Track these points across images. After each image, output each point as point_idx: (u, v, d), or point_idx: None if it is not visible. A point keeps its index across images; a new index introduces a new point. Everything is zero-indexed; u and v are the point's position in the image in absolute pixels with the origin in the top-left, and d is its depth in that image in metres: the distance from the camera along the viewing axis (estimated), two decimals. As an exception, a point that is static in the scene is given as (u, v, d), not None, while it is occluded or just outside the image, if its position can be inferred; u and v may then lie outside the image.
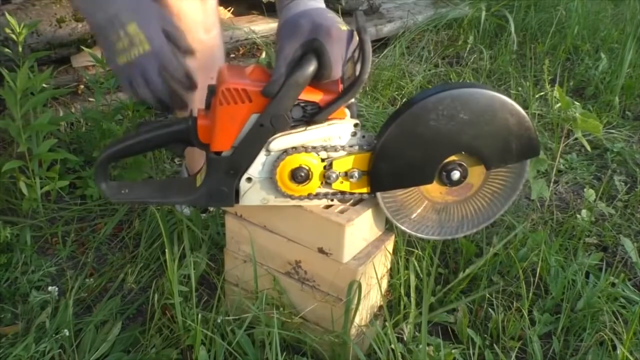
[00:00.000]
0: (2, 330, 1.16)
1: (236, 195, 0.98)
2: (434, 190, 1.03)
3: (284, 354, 1.03)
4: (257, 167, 0.96)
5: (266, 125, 0.92)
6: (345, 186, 0.99)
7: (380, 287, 1.11)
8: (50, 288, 1.20)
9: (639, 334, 1.18)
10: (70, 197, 1.60)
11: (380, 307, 1.15)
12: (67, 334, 1.08)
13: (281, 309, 1.09)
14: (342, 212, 1.01)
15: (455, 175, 0.99)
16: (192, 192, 1.01)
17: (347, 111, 0.96)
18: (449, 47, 2.92)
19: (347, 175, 0.98)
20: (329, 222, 0.99)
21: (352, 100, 0.95)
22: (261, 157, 0.95)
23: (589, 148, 1.64)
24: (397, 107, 0.96)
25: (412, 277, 1.15)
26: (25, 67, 1.40)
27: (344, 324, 1.03)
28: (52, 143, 1.45)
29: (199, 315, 1.03)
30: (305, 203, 1.00)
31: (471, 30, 3.02)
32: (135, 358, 1.09)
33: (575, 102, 1.51)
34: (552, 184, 1.66)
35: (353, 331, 1.05)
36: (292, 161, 0.95)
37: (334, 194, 1.00)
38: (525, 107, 2.34)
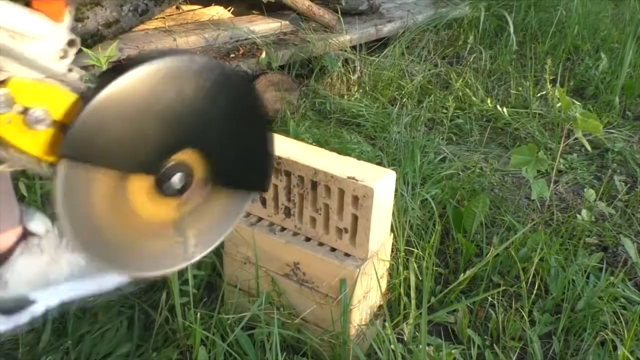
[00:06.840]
0: (2, 330, 1.15)
1: None
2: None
3: (284, 354, 1.03)
4: None
5: None
6: (10, 131, 0.57)
7: (380, 286, 1.11)
8: (50, 288, 1.20)
9: (640, 334, 1.18)
10: (70, 198, 1.59)
11: (380, 307, 1.15)
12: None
13: (281, 309, 1.08)
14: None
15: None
16: None
17: (68, 19, 0.65)
18: (449, 47, 2.92)
19: (25, 112, 0.57)
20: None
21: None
22: None
23: (589, 148, 1.63)
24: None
25: (412, 277, 1.15)
26: (25, 68, 1.39)
27: (343, 323, 1.03)
28: (51, 143, 1.44)
29: (199, 316, 1.03)
30: None
31: (471, 30, 3.02)
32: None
33: (576, 102, 1.51)
34: (552, 184, 1.66)
35: (353, 331, 1.05)
36: None
37: None
38: (526, 107, 2.34)
